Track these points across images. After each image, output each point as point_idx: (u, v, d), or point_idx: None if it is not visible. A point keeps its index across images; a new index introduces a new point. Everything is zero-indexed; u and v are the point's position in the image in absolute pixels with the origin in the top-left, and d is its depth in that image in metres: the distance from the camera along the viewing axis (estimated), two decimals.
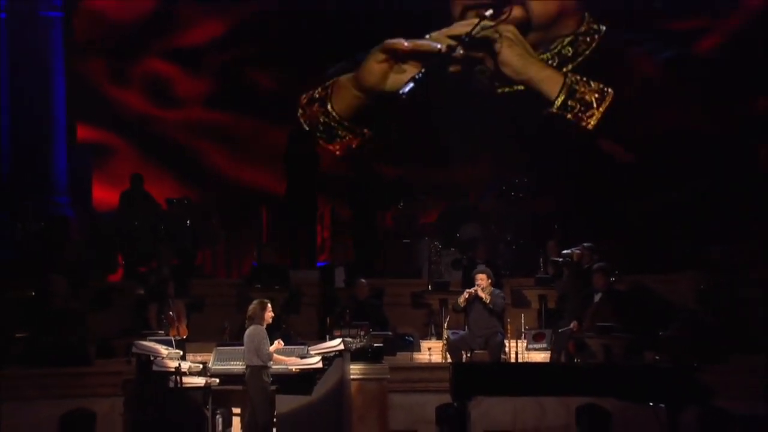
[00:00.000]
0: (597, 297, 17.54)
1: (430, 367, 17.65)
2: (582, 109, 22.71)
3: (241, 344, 15.42)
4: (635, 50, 23.07)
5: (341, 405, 15.47)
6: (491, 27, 22.58)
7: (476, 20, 22.63)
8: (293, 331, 18.28)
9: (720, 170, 22.24)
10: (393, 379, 16.38)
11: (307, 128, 23.02)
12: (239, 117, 23.25)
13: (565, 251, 18.72)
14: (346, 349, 15.71)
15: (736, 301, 18.54)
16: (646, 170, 22.50)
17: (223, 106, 23.25)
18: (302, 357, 15.72)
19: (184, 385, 15.42)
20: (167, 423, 15.40)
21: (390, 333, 18.30)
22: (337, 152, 23.16)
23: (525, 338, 18.15)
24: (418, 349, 18.59)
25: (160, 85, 23.34)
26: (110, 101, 23.25)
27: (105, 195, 22.87)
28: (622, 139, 22.87)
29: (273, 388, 15.31)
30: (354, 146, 23.18)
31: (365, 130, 23.13)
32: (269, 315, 15.52)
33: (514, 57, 22.80)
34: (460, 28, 22.69)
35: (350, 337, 16.40)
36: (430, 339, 19.03)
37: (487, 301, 17.33)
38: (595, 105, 22.72)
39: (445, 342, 17.81)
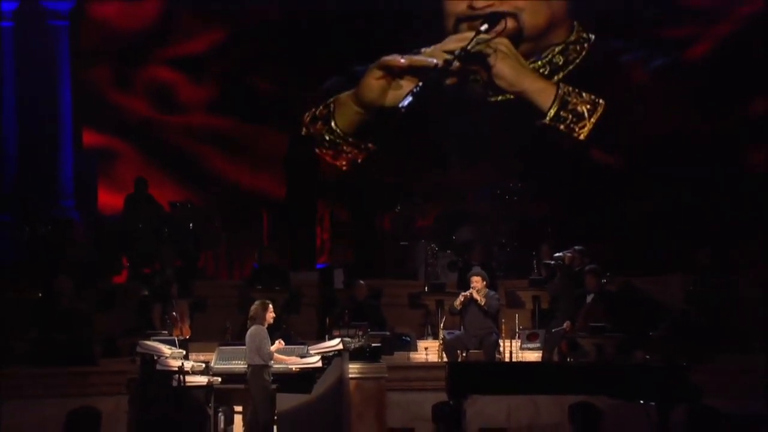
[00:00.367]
0: (589, 298, 17.57)
1: (427, 366, 17.65)
2: (574, 120, 22.64)
3: (243, 344, 15.41)
4: (625, 58, 22.99)
5: (340, 403, 15.45)
6: (486, 41, 22.43)
7: (470, 34, 22.51)
8: (293, 331, 18.25)
9: (708, 174, 22.21)
10: (390, 378, 16.35)
11: (316, 149, 22.93)
12: (240, 122, 23.22)
13: (556, 254, 18.75)
14: (345, 349, 15.70)
15: (724, 302, 18.52)
16: (637, 175, 22.43)
17: (224, 112, 23.22)
18: (302, 356, 15.70)
19: (187, 384, 15.41)
20: (171, 421, 15.39)
21: (388, 333, 18.28)
22: (344, 167, 23.06)
23: (519, 338, 18.14)
24: (415, 349, 18.58)
25: (163, 92, 23.31)
26: (115, 107, 23.21)
27: (110, 198, 22.83)
28: (612, 145, 22.77)
29: (274, 386, 15.30)
30: (359, 161, 23.09)
31: (369, 145, 23.02)
32: (270, 315, 15.50)
33: (508, 69, 22.70)
34: (454, 43, 22.57)
35: (349, 336, 16.39)
36: (426, 339, 19.01)
37: (482, 304, 17.32)
38: (586, 116, 22.64)
39: (441, 342, 17.79)
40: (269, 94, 23.12)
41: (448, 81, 22.77)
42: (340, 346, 15.69)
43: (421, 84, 22.04)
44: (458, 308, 17.49)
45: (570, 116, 22.63)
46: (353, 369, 15.88)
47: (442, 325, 18.10)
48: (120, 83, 23.24)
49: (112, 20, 23.28)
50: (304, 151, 22.80)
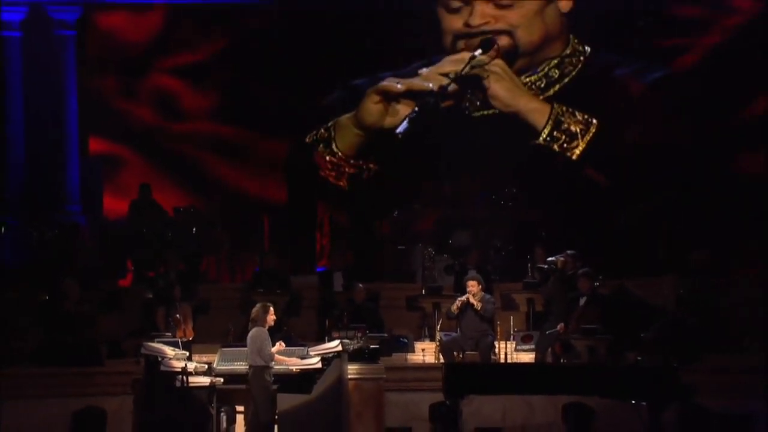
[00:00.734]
0: (582, 301, 17.57)
1: (424, 367, 17.66)
2: (567, 140, 22.53)
3: (245, 345, 15.41)
4: (619, 72, 22.89)
5: (339, 403, 15.43)
6: (481, 65, 22.30)
7: (466, 55, 22.34)
8: (294, 333, 18.23)
9: (699, 179, 22.20)
10: (388, 379, 16.33)
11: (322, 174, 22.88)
12: (242, 129, 23.19)
13: (550, 258, 18.74)
14: (344, 350, 15.69)
15: (714, 304, 18.52)
16: (629, 182, 22.40)
17: (226, 119, 23.19)
18: (302, 358, 15.71)
19: (190, 385, 15.42)
20: (174, 420, 15.39)
21: (386, 335, 18.29)
22: (344, 186, 22.94)
23: (514, 340, 18.17)
24: (413, 350, 18.58)
25: (167, 100, 23.28)
26: (120, 115, 23.18)
27: (115, 204, 22.81)
28: (605, 161, 22.65)
29: (275, 387, 15.29)
30: (363, 179, 22.99)
31: (371, 165, 22.92)
32: (271, 318, 15.50)
33: (503, 91, 22.51)
34: (451, 65, 22.31)
35: (348, 338, 16.40)
36: (423, 340, 19.00)
37: (479, 308, 17.32)
38: (579, 136, 22.53)
39: (438, 343, 17.80)
40: (270, 102, 23.08)
41: (444, 104, 22.54)
42: (340, 348, 15.69)
43: (417, 109, 21.89)
44: (455, 313, 17.49)
45: (563, 136, 22.50)
46: (352, 370, 15.85)
47: (438, 327, 18.13)
48: (125, 91, 23.21)
49: (118, 30, 23.26)
50: (303, 158, 22.80)
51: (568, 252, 18.58)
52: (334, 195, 22.96)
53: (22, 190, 22.32)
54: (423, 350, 18.41)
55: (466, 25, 22.53)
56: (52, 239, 21.05)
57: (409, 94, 22.32)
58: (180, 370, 15.44)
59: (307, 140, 22.96)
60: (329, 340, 16.58)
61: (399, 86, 22.32)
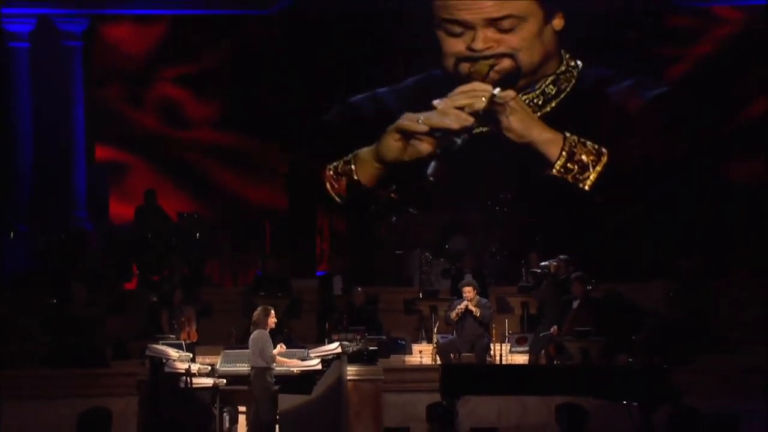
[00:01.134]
0: (575, 304, 17.58)
1: (421, 368, 17.62)
2: (579, 170, 22.43)
3: (247, 347, 15.39)
4: (615, 87, 22.81)
5: (339, 403, 15.41)
6: (500, 103, 22.19)
7: (477, 86, 22.19)
8: (294, 335, 18.20)
9: (687, 188, 22.20)
10: (387, 380, 16.30)
11: (339, 200, 22.78)
12: (244, 137, 23.18)
13: (543, 263, 18.77)
14: (344, 352, 15.68)
15: (703, 307, 18.53)
16: (620, 192, 22.41)
17: (229, 128, 23.18)
18: (303, 359, 15.69)
19: (193, 385, 15.39)
20: (178, 420, 15.36)
21: (384, 337, 18.25)
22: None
23: (509, 342, 18.13)
24: (410, 352, 18.55)
25: (171, 108, 23.27)
26: (126, 123, 23.18)
27: (121, 209, 22.80)
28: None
29: (276, 388, 15.27)
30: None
31: (392, 195, 22.80)
32: (272, 320, 15.48)
33: (517, 123, 22.30)
34: (465, 98, 22.09)
35: (347, 340, 16.35)
36: (421, 343, 18.97)
37: (477, 315, 17.32)
38: (591, 166, 22.44)
39: (434, 345, 17.77)
40: (271, 111, 23.08)
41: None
42: (339, 350, 15.67)
43: (440, 150, 21.86)
44: (454, 319, 17.49)
45: (576, 167, 22.42)
46: (351, 371, 15.82)
47: (435, 329, 18.08)
48: (130, 100, 23.21)
49: (123, 41, 23.26)
50: (304, 166, 22.80)
51: (562, 257, 18.58)
52: (333, 201, 22.94)
53: (30, 196, 22.32)
54: (420, 352, 18.39)
55: (469, 49, 22.34)
56: (60, 244, 21.06)
57: (430, 132, 22.21)
58: (184, 371, 15.42)
59: (328, 171, 22.87)
60: (329, 342, 16.56)
61: (421, 125, 22.15)
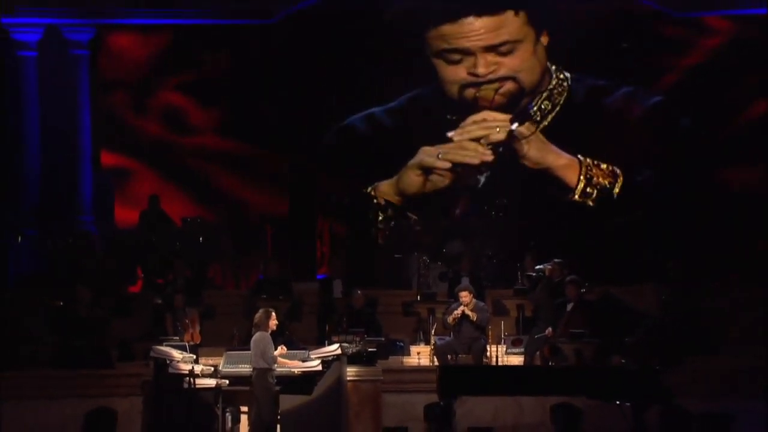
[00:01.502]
0: (569, 306, 17.57)
1: (419, 369, 17.64)
2: (599, 193, 22.26)
3: (249, 349, 15.36)
4: (606, 94, 22.73)
5: (339, 404, 15.39)
6: (519, 138, 22.12)
7: (488, 115, 22.08)
8: (295, 337, 18.17)
9: (679, 193, 22.19)
10: (385, 381, 16.28)
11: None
12: (246, 144, 23.16)
13: (538, 266, 18.75)
14: (344, 353, 15.65)
15: (694, 310, 18.53)
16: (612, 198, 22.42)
17: (231, 134, 23.16)
18: (303, 360, 15.67)
19: (196, 386, 15.37)
20: (182, 420, 15.33)
21: (383, 339, 18.24)
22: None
23: (504, 343, 18.11)
24: (408, 354, 18.54)
25: (175, 115, 23.25)
26: (130, 130, 23.16)
27: (126, 214, 22.78)
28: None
29: (277, 388, 15.25)
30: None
31: (413, 217, 22.70)
32: (273, 322, 15.46)
33: (534, 151, 22.07)
34: (479, 129, 21.96)
35: (347, 342, 16.33)
36: (419, 344, 18.94)
37: (474, 320, 17.30)
38: (609, 188, 22.31)
39: (432, 347, 17.77)
40: (271, 118, 23.08)
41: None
42: (339, 351, 15.65)
43: (465, 186, 21.87)
44: (452, 324, 17.48)
45: (595, 191, 22.32)
46: (351, 372, 15.80)
47: (433, 331, 18.09)
48: (135, 108, 23.20)
49: (128, 50, 23.25)
50: (304, 172, 22.80)
51: (556, 260, 18.57)
52: (333, 207, 22.92)
53: (37, 201, 22.30)
54: (418, 353, 18.38)
55: (472, 74, 22.18)
56: (66, 248, 21.04)
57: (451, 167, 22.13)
58: (187, 372, 15.39)
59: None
60: (329, 344, 16.52)
61: (442, 161, 21.96)
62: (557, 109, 22.63)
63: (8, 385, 16.70)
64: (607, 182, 22.27)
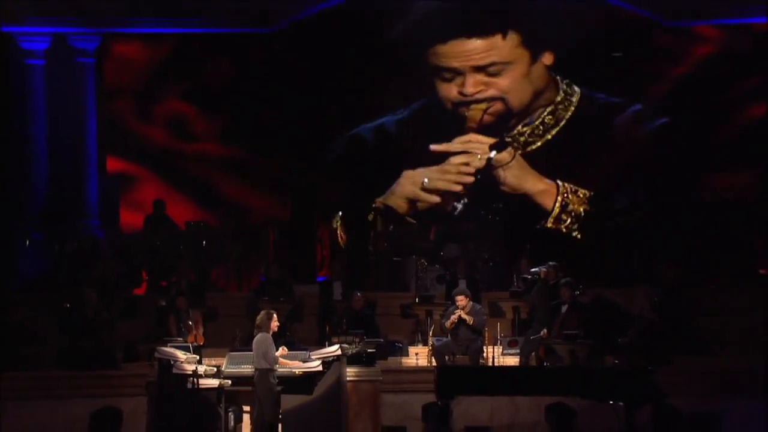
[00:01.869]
0: (564, 308, 17.54)
1: (417, 369, 17.63)
2: (573, 221, 22.32)
3: (251, 350, 15.36)
4: (616, 112, 22.70)
5: (339, 403, 15.40)
6: (498, 165, 22.15)
7: (473, 137, 22.06)
8: (296, 338, 18.19)
9: (668, 200, 22.21)
10: (384, 381, 16.28)
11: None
12: (249, 150, 23.18)
13: (534, 269, 18.75)
14: (343, 354, 15.65)
15: (685, 311, 18.55)
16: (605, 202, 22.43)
17: (234, 141, 23.18)
18: (304, 361, 15.66)
19: (200, 386, 15.35)
20: (186, 419, 15.32)
21: (382, 340, 18.23)
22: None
23: (500, 344, 18.09)
24: (407, 354, 18.53)
25: (178, 122, 23.27)
26: (136, 136, 23.18)
27: (131, 218, 22.79)
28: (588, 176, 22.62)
29: (278, 388, 15.25)
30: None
31: (412, 222, 22.70)
32: (275, 324, 15.46)
33: (511, 178, 22.12)
34: (463, 156, 22.16)
35: (347, 343, 16.31)
36: (417, 345, 18.95)
37: (471, 323, 17.31)
38: (583, 216, 22.36)
39: (430, 348, 17.77)
40: (272, 125, 23.11)
41: None
42: (339, 352, 15.65)
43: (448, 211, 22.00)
44: (449, 328, 17.48)
45: (569, 218, 22.35)
46: (350, 372, 15.81)
47: (431, 332, 18.10)
48: (140, 115, 23.21)
49: (133, 58, 23.27)
50: (305, 179, 22.82)
51: (550, 263, 18.59)
52: (333, 211, 22.92)
53: (45, 205, 22.31)
54: (416, 354, 18.37)
55: (461, 93, 22.32)
56: (73, 251, 21.05)
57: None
58: (191, 372, 15.38)
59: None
60: (329, 345, 16.50)
61: (426, 194, 22.09)
62: (562, 123, 22.60)
63: (16, 386, 16.71)
64: (581, 210, 22.28)
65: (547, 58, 22.38)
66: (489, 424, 16.53)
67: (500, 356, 17.87)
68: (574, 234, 22.29)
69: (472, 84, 22.23)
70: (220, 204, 23.15)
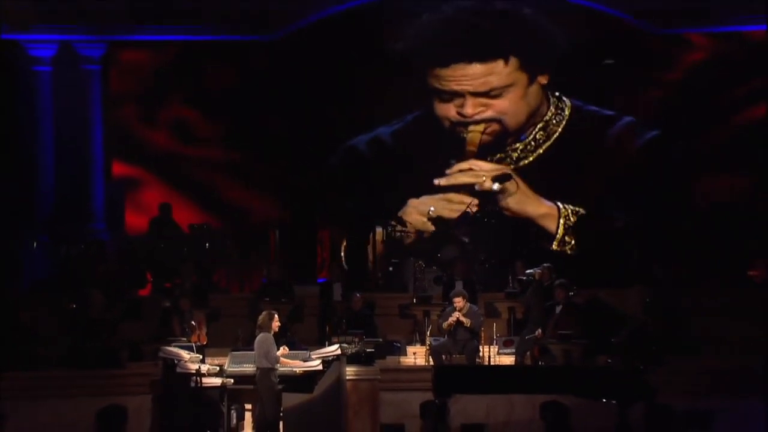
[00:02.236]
0: (558, 309, 17.60)
1: (415, 369, 17.66)
2: (577, 243, 22.24)
3: (253, 349, 15.39)
4: (612, 130, 22.70)
5: (338, 402, 15.41)
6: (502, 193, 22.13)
7: (474, 164, 22.07)
8: (297, 338, 18.16)
9: (661, 204, 22.23)
10: (383, 380, 16.31)
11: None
12: (251, 154, 23.20)
13: (529, 270, 18.79)
14: (343, 354, 15.68)
15: (676, 313, 18.56)
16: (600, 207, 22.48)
17: (237, 145, 23.20)
18: (305, 360, 15.70)
19: (203, 385, 15.40)
20: (189, 417, 15.35)
21: (380, 339, 18.26)
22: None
23: (496, 344, 18.13)
24: (405, 354, 18.56)
25: (182, 127, 23.29)
26: (140, 141, 23.21)
27: (136, 221, 22.81)
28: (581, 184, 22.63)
29: (280, 387, 15.28)
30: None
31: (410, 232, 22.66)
32: (276, 324, 15.49)
33: (513, 203, 22.17)
34: (464, 176, 22.16)
35: (346, 343, 16.35)
36: (415, 345, 18.98)
37: (468, 325, 17.33)
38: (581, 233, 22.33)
39: (428, 347, 17.79)
40: (273, 130, 23.12)
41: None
42: (339, 351, 15.68)
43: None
44: (447, 330, 17.50)
45: (572, 241, 22.32)
46: (350, 371, 15.83)
47: (428, 332, 18.12)
48: (145, 120, 23.24)
49: (138, 65, 23.30)
50: (305, 182, 22.84)
51: (545, 265, 18.62)
52: (333, 214, 22.94)
53: (52, 209, 22.34)
54: (414, 354, 18.39)
55: (460, 114, 22.29)
56: (79, 253, 21.04)
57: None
58: (194, 371, 15.43)
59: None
60: (329, 345, 16.54)
61: (430, 225, 22.04)
62: (553, 138, 22.58)
63: (23, 385, 16.71)
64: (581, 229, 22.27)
65: (543, 79, 22.39)
66: (485, 421, 16.52)
67: (496, 356, 17.91)
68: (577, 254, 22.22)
69: (472, 105, 22.21)
70: (222, 207, 23.17)
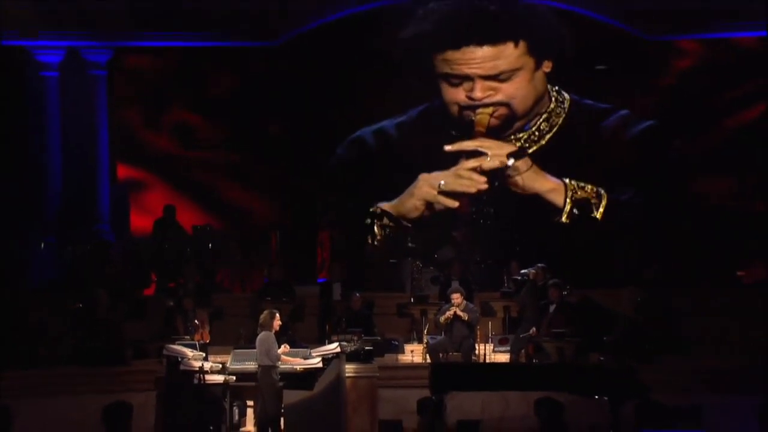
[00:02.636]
0: (552, 308, 17.63)
1: (413, 366, 17.68)
2: (587, 213, 22.18)
3: (254, 347, 15.42)
4: (607, 122, 22.68)
5: (338, 398, 15.48)
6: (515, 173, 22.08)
7: (484, 142, 21.86)
8: (298, 336, 18.21)
9: (656, 202, 22.25)
10: (381, 377, 16.37)
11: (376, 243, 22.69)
12: (253, 157, 23.23)
13: (523, 270, 18.83)
14: (342, 352, 15.73)
15: (667, 312, 18.59)
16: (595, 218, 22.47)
17: (239, 149, 23.22)
18: (305, 358, 15.74)
19: (206, 382, 15.45)
20: (192, 413, 15.38)
21: (379, 338, 18.29)
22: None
23: (492, 342, 18.16)
24: (403, 352, 18.59)
25: (185, 131, 23.30)
26: (145, 145, 23.24)
27: (140, 222, 22.83)
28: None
29: (281, 384, 15.32)
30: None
31: (408, 226, 22.64)
32: (277, 323, 15.54)
33: (522, 181, 22.05)
34: (474, 161, 21.91)
35: (345, 341, 16.41)
36: (412, 343, 19.01)
37: (466, 319, 17.38)
38: (594, 208, 22.25)
39: (425, 345, 17.84)
40: (274, 133, 23.16)
41: None
42: (338, 350, 15.73)
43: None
44: (444, 324, 17.54)
45: (582, 213, 22.27)
46: (349, 369, 15.89)
47: (426, 331, 18.17)
48: (149, 124, 23.27)
49: (143, 70, 23.32)
50: (306, 185, 22.87)
51: (539, 265, 18.67)
52: (333, 216, 22.96)
53: (58, 211, 22.33)
54: (412, 351, 18.43)
55: (469, 97, 22.11)
56: (85, 254, 21.04)
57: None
58: (197, 369, 15.47)
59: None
60: (329, 343, 16.59)
61: (443, 197, 21.80)
62: (555, 129, 22.60)
63: (31, 383, 16.76)
64: (593, 201, 22.22)
65: (547, 66, 22.37)
66: (480, 417, 16.54)
67: (491, 353, 17.94)
68: (591, 224, 22.12)
69: (481, 89, 22.04)
70: (224, 208, 23.18)
